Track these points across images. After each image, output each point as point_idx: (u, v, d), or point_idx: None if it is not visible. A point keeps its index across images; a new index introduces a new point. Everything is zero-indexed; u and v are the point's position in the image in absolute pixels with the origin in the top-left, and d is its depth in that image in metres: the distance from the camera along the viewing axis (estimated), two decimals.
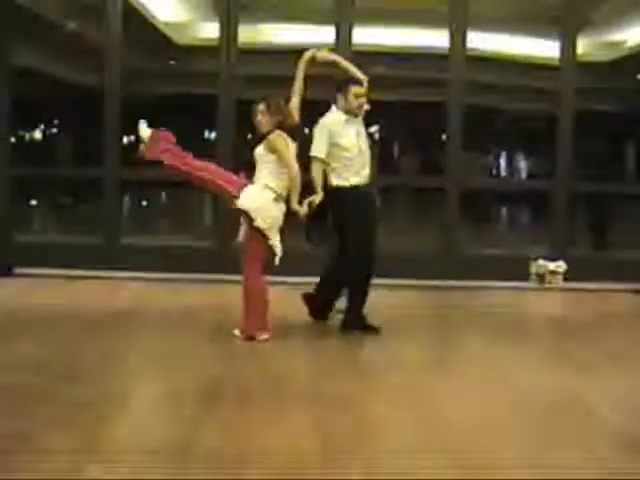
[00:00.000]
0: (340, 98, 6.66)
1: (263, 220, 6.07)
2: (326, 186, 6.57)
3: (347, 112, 6.64)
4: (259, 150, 6.30)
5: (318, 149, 6.58)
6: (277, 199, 6.17)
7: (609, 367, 5.78)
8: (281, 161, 6.16)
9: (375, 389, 5.05)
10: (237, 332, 6.21)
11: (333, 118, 6.66)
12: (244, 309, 6.21)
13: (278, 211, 6.19)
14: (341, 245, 6.73)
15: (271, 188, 6.16)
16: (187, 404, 4.56)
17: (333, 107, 6.71)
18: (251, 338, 6.13)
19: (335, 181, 6.61)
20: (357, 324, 6.56)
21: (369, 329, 6.53)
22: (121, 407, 4.52)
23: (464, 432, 4.20)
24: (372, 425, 4.25)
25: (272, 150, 6.20)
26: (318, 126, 6.67)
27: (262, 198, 6.12)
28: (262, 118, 6.32)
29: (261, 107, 6.32)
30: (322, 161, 6.56)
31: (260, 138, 6.34)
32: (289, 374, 5.31)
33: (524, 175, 14.46)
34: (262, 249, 6.15)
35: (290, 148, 6.24)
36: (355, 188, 6.59)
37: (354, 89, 6.62)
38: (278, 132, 6.26)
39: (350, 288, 6.66)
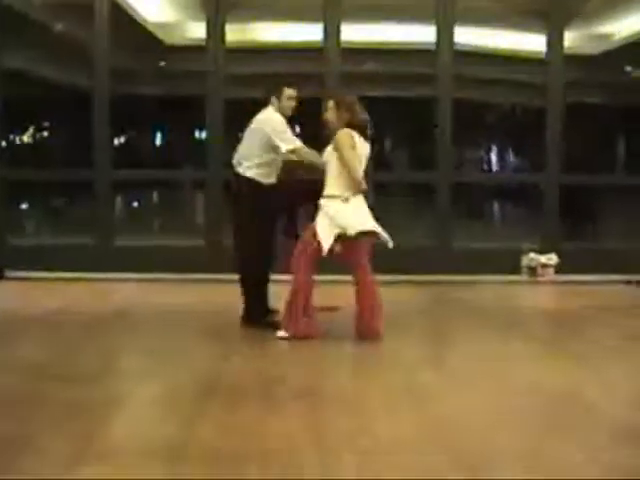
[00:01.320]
0: (274, 100, 6.66)
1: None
2: (242, 177, 6.59)
3: (280, 114, 6.63)
4: (328, 150, 6.24)
5: (292, 140, 6.50)
6: (345, 200, 6.11)
7: (605, 359, 5.81)
8: (341, 160, 6.10)
9: (371, 387, 5.05)
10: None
11: (280, 118, 6.61)
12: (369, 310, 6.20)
13: (350, 208, 6.12)
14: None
15: (335, 196, 6.11)
16: (183, 404, 4.58)
17: (270, 108, 6.67)
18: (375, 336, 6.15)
19: (255, 175, 6.58)
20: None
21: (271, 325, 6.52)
22: (118, 407, 4.54)
23: (463, 429, 4.20)
24: (369, 423, 4.25)
25: (336, 148, 6.14)
26: (274, 122, 6.54)
27: (331, 219, 6.07)
28: (331, 115, 6.28)
29: (331, 103, 6.30)
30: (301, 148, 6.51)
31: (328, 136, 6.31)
32: (285, 373, 5.32)
33: (515, 169, 14.50)
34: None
35: (358, 146, 6.16)
36: (271, 187, 6.58)
37: (288, 91, 6.63)
38: (347, 130, 6.16)
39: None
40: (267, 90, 6.70)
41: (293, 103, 6.67)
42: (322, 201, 6.15)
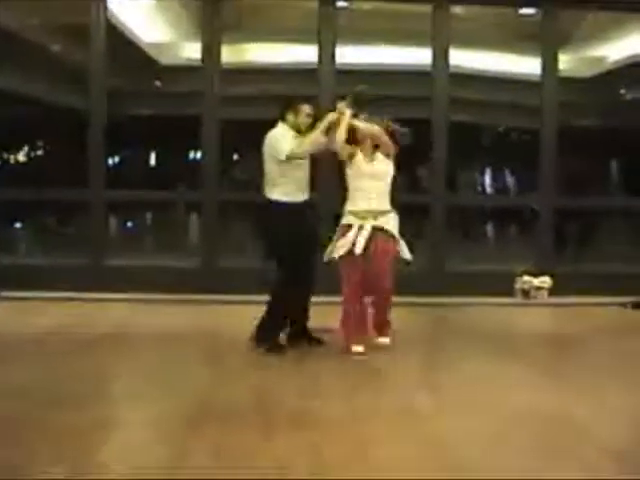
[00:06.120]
0: (290, 116, 6.68)
1: None
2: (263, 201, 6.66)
3: (296, 129, 6.67)
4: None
5: (286, 148, 6.52)
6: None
7: (596, 382, 5.80)
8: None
9: (366, 409, 5.02)
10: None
11: (285, 133, 6.64)
12: None
13: None
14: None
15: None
16: (175, 427, 4.54)
17: (280, 124, 6.71)
18: None
19: (277, 195, 6.60)
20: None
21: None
22: (110, 431, 4.50)
23: (459, 450, 4.19)
24: (363, 446, 4.23)
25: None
26: (278, 135, 6.60)
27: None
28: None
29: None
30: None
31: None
32: (278, 395, 5.30)
33: (510, 191, 14.51)
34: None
35: None
36: (294, 204, 6.61)
37: (305, 108, 6.69)
38: None
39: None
40: (284, 107, 6.70)
41: (309, 120, 6.70)
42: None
